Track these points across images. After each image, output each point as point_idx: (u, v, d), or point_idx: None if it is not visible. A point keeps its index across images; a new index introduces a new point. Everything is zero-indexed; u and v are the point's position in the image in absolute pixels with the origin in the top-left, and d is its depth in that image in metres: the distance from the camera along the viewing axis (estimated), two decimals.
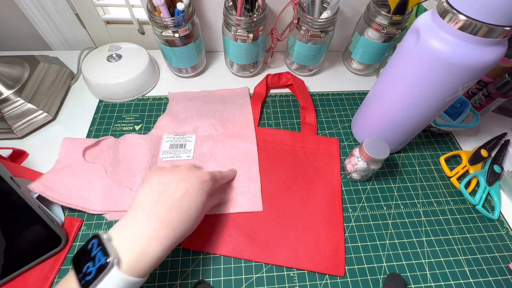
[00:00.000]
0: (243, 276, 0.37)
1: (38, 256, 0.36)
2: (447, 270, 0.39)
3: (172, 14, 0.47)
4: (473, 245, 0.41)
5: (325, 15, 0.48)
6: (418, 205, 0.44)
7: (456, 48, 0.30)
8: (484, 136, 0.52)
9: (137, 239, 0.26)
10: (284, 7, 0.50)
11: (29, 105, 0.47)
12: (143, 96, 0.55)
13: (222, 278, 0.37)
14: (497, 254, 0.40)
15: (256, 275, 0.37)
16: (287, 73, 0.57)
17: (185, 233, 0.29)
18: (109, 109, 0.52)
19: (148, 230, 0.27)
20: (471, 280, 0.38)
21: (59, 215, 0.39)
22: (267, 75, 0.56)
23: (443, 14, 0.30)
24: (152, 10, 0.47)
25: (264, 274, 0.37)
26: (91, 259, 0.25)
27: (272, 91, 0.58)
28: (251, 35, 0.49)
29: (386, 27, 0.49)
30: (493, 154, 0.49)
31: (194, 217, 0.30)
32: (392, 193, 0.45)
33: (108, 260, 0.24)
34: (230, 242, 0.39)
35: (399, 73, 0.37)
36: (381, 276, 0.38)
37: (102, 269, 0.24)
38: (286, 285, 0.37)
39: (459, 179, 0.47)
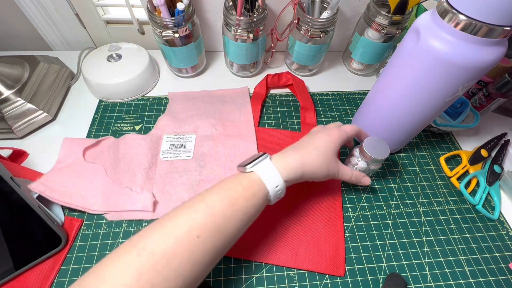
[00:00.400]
0: (243, 276, 0.37)
1: (38, 256, 0.36)
2: (447, 270, 0.39)
3: (172, 14, 0.47)
4: (473, 245, 0.41)
5: (325, 15, 0.48)
6: (418, 205, 0.44)
7: (456, 48, 0.30)
8: (484, 136, 0.52)
9: (282, 152, 0.36)
10: (284, 7, 0.50)
11: (29, 105, 0.47)
12: (143, 96, 0.55)
13: (222, 278, 0.37)
14: (497, 254, 0.40)
15: (256, 275, 0.37)
16: (287, 73, 0.57)
17: (312, 163, 0.35)
18: (109, 109, 0.52)
19: (288, 150, 0.36)
20: (471, 280, 0.38)
21: (59, 215, 0.39)
22: (267, 75, 0.56)
23: (443, 14, 0.30)
24: (152, 10, 0.47)
25: (264, 274, 0.37)
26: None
27: (272, 91, 0.58)
28: (251, 35, 0.49)
29: (386, 27, 0.49)
30: (493, 154, 0.49)
31: (321, 157, 0.36)
32: (392, 193, 0.45)
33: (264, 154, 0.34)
34: None
35: (399, 73, 0.37)
36: (381, 276, 0.38)
37: (259, 157, 0.34)
38: (286, 285, 0.37)
39: (459, 179, 0.47)
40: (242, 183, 0.31)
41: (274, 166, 0.33)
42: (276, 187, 0.32)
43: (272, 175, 0.32)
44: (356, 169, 0.42)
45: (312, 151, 0.36)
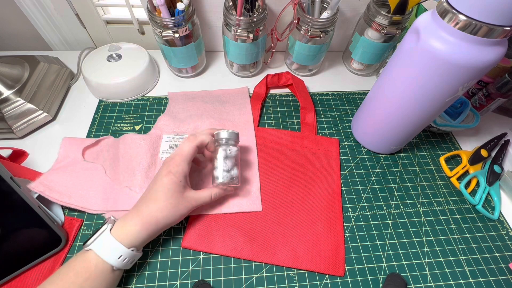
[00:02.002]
0: (243, 276, 0.37)
1: (38, 256, 0.36)
2: (447, 270, 0.39)
3: (172, 14, 0.47)
4: (473, 245, 0.41)
5: (325, 15, 0.48)
6: (418, 205, 0.44)
7: (456, 48, 0.30)
8: (484, 136, 0.52)
9: (122, 218, 0.34)
10: (284, 7, 0.50)
11: (29, 105, 0.47)
12: (143, 96, 0.55)
13: (222, 278, 0.37)
14: (497, 254, 0.40)
15: (256, 275, 0.37)
16: (287, 73, 0.57)
17: (155, 218, 0.34)
18: (109, 109, 0.52)
19: (129, 213, 0.35)
20: (471, 280, 0.38)
21: (59, 215, 0.39)
22: (267, 75, 0.56)
23: (443, 14, 0.30)
24: (152, 10, 0.47)
25: (264, 274, 0.37)
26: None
27: (272, 91, 0.58)
28: (251, 35, 0.49)
29: (386, 27, 0.49)
30: (493, 154, 0.49)
31: (163, 206, 0.34)
32: (392, 193, 0.45)
33: (103, 224, 0.33)
34: (230, 242, 0.39)
35: (399, 73, 0.37)
36: (381, 276, 0.38)
37: (98, 230, 0.33)
38: (286, 285, 0.37)
39: (459, 179, 0.47)
40: (76, 267, 0.31)
41: (114, 238, 0.31)
42: (120, 257, 0.31)
43: (112, 248, 0.31)
44: (217, 171, 0.38)
45: (151, 205, 0.34)
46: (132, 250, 0.32)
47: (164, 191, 0.34)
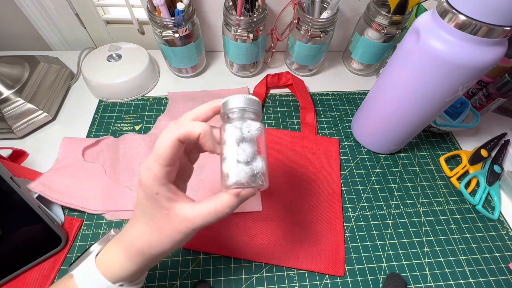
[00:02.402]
0: (243, 276, 0.37)
1: (38, 256, 0.36)
2: (447, 270, 0.39)
3: (172, 14, 0.47)
4: (473, 245, 0.41)
5: (325, 15, 0.48)
6: (418, 205, 0.44)
7: (456, 48, 0.30)
8: (484, 136, 0.52)
9: (109, 251, 0.26)
10: (284, 7, 0.50)
11: (29, 105, 0.47)
12: (143, 96, 0.55)
13: (222, 278, 0.37)
14: (497, 254, 0.40)
15: (256, 275, 0.37)
16: (287, 73, 0.57)
17: (136, 245, 0.24)
18: (109, 109, 0.52)
19: (113, 240, 0.26)
20: (471, 280, 0.38)
21: (59, 215, 0.39)
22: (267, 75, 0.56)
23: (443, 14, 0.30)
24: (152, 10, 0.47)
25: (264, 274, 0.37)
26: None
27: (272, 91, 0.58)
28: (251, 35, 0.49)
29: (386, 27, 0.49)
30: (493, 154, 0.49)
31: (142, 228, 0.24)
32: (392, 193, 0.45)
33: (89, 248, 0.27)
34: (230, 242, 0.39)
35: (399, 73, 0.37)
36: (381, 276, 0.38)
37: (83, 253, 0.27)
38: (286, 285, 0.37)
39: (459, 179, 0.47)
40: None
41: (97, 268, 0.24)
42: None
43: (94, 280, 0.24)
44: (228, 164, 0.23)
45: (130, 229, 0.25)
46: (121, 286, 0.24)
47: (140, 208, 0.24)
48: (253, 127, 0.23)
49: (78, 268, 0.25)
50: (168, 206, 0.23)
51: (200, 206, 0.24)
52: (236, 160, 0.22)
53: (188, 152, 0.28)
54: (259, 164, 0.23)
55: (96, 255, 0.25)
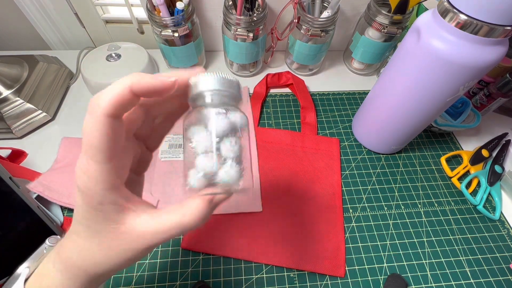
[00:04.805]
0: (243, 277, 0.37)
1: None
2: (448, 271, 0.38)
3: (171, 13, 0.47)
4: (474, 246, 0.41)
5: (325, 14, 0.48)
6: (419, 205, 0.44)
7: (457, 47, 0.30)
8: (485, 136, 0.52)
9: (44, 262, 0.20)
10: (284, 6, 0.50)
11: (28, 105, 0.46)
12: None
13: (221, 279, 0.37)
14: (498, 255, 0.40)
15: (256, 276, 0.37)
16: (287, 72, 0.57)
17: (77, 265, 0.18)
18: None
19: (52, 267, 0.20)
20: (472, 280, 0.38)
21: (58, 215, 0.39)
22: (267, 75, 0.56)
23: (443, 13, 0.30)
24: (151, 9, 0.47)
25: (264, 275, 0.37)
26: None
27: (272, 90, 0.57)
28: (251, 35, 0.48)
29: (386, 27, 0.49)
30: (494, 154, 0.48)
31: (83, 244, 0.18)
32: (393, 193, 0.45)
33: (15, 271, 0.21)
34: (230, 242, 0.39)
35: (400, 73, 0.36)
36: (382, 277, 0.38)
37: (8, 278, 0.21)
38: (287, 286, 0.37)
39: (460, 179, 0.47)
40: None
41: None
42: None
43: None
44: (201, 161, 0.18)
45: (69, 244, 0.19)
46: None
47: (81, 222, 0.18)
48: (237, 116, 0.18)
49: None
50: (117, 218, 0.17)
51: (161, 218, 0.18)
52: (217, 157, 0.17)
53: (143, 135, 0.21)
54: (233, 170, 0.18)
55: (27, 278, 0.20)
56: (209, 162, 0.17)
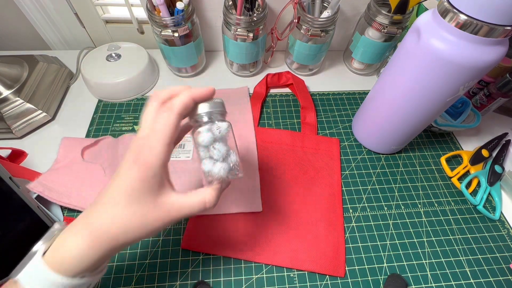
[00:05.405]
0: (243, 277, 0.37)
1: None
2: (448, 271, 0.38)
3: (171, 13, 0.47)
4: (474, 246, 0.41)
5: (325, 14, 0.48)
6: (419, 205, 0.44)
7: (457, 47, 0.30)
8: (485, 136, 0.52)
9: (63, 233, 0.23)
10: (284, 6, 0.50)
11: (28, 105, 0.47)
12: (142, 95, 0.55)
13: (222, 279, 0.37)
14: (498, 255, 0.40)
15: (256, 276, 0.37)
16: (287, 72, 0.57)
17: (108, 232, 0.22)
18: (108, 108, 0.52)
19: (72, 226, 0.23)
20: (472, 280, 0.38)
21: (58, 215, 0.39)
22: (267, 75, 0.56)
23: (444, 13, 0.30)
24: (151, 9, 0.47)
25: (264, 275, 0.37)
26: None
27: (272, 90, 0.57)
28: (251, 35, 0.48)
29: (386, 27, 0.48)
30: (494, 154, 0.48)
31: (121, 212, 0.22)
32: (392, 193, 0.45)
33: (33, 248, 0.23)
34: (230, 242, 0.39)
35: (400, 73, 0.36)
36: (382, 277, 0.38)
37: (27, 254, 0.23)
38: (287, 286, 0.37)
39: (460, 179, 0.47)
40: None
41: (47, 267, 0.21)
42: None
43: (46, 281, 0.21)
44: (207, 163, 0.26)
45: (103, 214, 0.22)
46: (82, 277, 0.22)
47: (126, 191, 0.22)
48: (223, 126, 0.26)
49: (23, 272, 0.22)
50: (158, 191, 0.23)
51: (189, 197, 0.24)
52: (214, 159, 0.25)
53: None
54: (233, 158, 0.26)
55: (44, 253, 0.22)
56: (221, 160, 0.25)
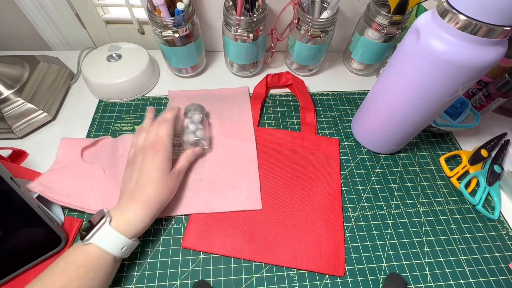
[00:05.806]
0: (243, 276, 0.37)
1: (38, 256, 0.36)
2: (447, 270, 0.39)
3: (172, 14, 0.47)
4: (473, 245, 0.41)
5: (325, 15, 0.48)
6: (418, 205, 0.44)
7: (456, 48, 0.30)
8: (484, 136, 0.52)
9: (119, 209, 0.34)
10: (284, 7, 0.50)
11: (29, 105, 0.47)
12: (143, 96, 0.55)
13: (222, 278, 0.37)
14: (497, 254, 0.40)
15: (256, 275, 0.37)
16: (287, 73, 0.57)
17: (155, 200, 0.35)
18: (109, 109, 0.52)
19: (125, 202, 0.35)
20: (471, 280, 0.38)
21: (59, 215, 0.39)
22: (267, 75, 0.56)
23: (443, 14, 0.30)
24: (152, 10, 0.47)
25: (264, 274, 0.37)
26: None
27: (272, 91, 0.57)
28: (251, 35, 0.49)
29: (386, 27, 0.49)
30: (493, 154, 0.49)
31: (159, 185, 0.36)
32: (392, 193, 0.45)
33: (100, 217, 0.32)
34: (230, 242, 0.39)
35: (399, 73, 0.37)
36: (381, 276, 0.38)
37: (93, 224, 0.32)
38: (286, 285, 0.37)
39: (459, 179, 0.47)
40: (76, 261, 0.31)
41: (115, 231, 0.32)
42: (123, 248, 0.32)
43: (116, 240, 0.32)
44: (185, 135, 0.44)
45: (148, 190, 0.35)
46: (134, 240, 0.33)
47: (159, 171, 0.36)
48: (195, 116, 0.46)
49: (95, 236, 0.31)
50: (170, 168, 0.38)
51: (180, 162, 0.41)
52: (189, 132, 0.44)
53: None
54: (200, 133, 0.44)
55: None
56: (192, 133, 0.44)
